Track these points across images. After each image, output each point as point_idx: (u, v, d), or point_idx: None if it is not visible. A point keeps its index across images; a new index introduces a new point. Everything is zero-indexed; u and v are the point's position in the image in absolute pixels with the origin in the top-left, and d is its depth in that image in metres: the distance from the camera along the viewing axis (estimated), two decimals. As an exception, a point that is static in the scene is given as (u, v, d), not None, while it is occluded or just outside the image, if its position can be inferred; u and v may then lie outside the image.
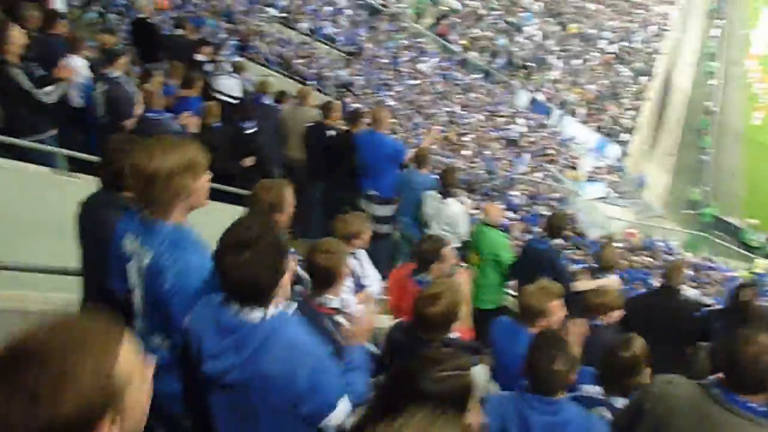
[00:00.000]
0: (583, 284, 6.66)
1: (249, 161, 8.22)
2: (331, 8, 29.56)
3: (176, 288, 2.71)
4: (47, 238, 5.52)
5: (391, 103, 25.84)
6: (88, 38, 13.45)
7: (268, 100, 9.84)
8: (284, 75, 23.59)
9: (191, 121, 7.56)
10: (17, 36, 6.11)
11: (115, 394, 1.35)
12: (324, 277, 3.65)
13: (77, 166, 6.69)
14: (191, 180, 2.75)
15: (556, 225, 7.29)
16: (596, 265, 7.20)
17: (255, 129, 8.30)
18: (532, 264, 6.96)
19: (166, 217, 2.78)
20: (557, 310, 4.23)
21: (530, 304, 4.23)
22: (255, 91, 10.23)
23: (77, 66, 7.30)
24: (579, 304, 5.07)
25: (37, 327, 1.34)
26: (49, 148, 6.47)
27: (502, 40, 33.62)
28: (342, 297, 3.86)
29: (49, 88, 6.34)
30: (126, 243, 2.89)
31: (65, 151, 6.61)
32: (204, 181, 2.83)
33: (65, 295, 4.60)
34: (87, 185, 6.15)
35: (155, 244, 2.77)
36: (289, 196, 3.92)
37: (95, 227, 3.54)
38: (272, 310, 2.54)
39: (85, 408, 1.29)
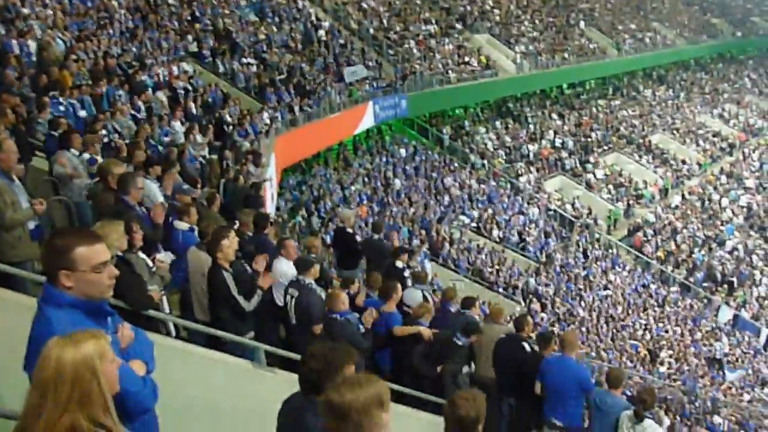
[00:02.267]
0: None
1: (440, 368, 8.07)
2: (522, 217, 29.92)
3: None
4: (245, 427, 5.67)
5: (582, 312, 25.07)
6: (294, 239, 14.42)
7: (453, 308, 9.76)
8: (473, 281, 23.84)
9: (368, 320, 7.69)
10: (232, 243, 6.68)
11: None
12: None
13: (274, 360, 7.02)
14: (381, 413, 2.76)
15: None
16: None
17: (464, 344, 8.18)
18: None
19: None
20: None
21: None
22: (441, 299, 10.19)
23: (282, 269, 7.72)
24: None
25: None
26: (249, 342, 6.80)
27: (700, 254, 32.16)
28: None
29: (252, 302, 6.75)
30: None
31: (265, 347, 6.92)
32: (389, 414, 2.81)
33: None
34: (283, 380, 6.52)
35: None
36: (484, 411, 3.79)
37: (291, 428, 3.63)
38: None
39: None
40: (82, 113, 11.64)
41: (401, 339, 8.10)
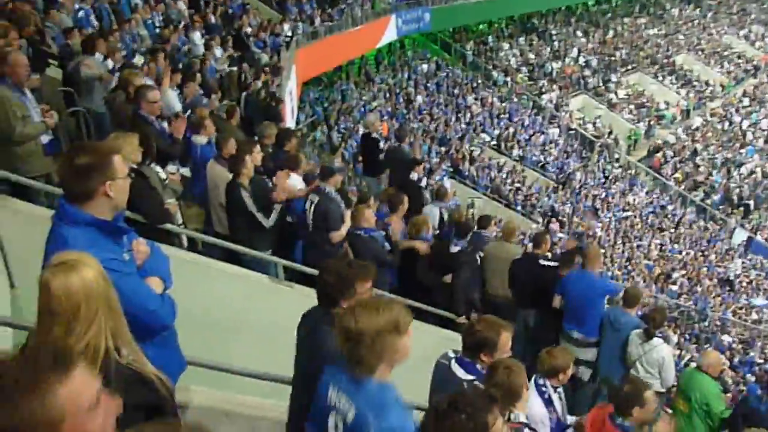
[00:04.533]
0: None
1: (448, 278, 8.13)
2: (543, 137, 29.63)
3: None
4: (261, 341, 5.82)
5: (599, 232, 25.12)
6: (313, 155, 14.40)
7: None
8: (492, 198, 23.83)
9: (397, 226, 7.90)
10: (249, 162, 6.68)
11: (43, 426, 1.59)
12: (508, 394, 3.69)
13: (291, 275, 7.07)
14: (397, 339, 2.75)
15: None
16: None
17: (460, 248, 8.21)
18: (748, 423, 6.18)
19: (372, 375, 2.77)
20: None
21: None
22: (448, 220, 10.17)
23: (294, 185, 7.70)
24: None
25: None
26: (268, 257, 6.85)
27: (718, 176, 31.81)
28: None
29: (271, 218, 6.79)
30: (330, 392, 2.91)
31: (283, 261, 6.97)
32: (408, 339, 2.81)
33: (271, 401, 4.69)
34: (301, 294, 6.59)
35: (361, 401, 2.77)
36: (507, 341, 3.90)
37: (309, 341, 3.70)
38: None
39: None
40: (95, 22, 11.47)
41: (404, 252, 8.10)
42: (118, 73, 8.48)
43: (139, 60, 9.82)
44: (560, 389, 4.99)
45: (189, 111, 8.66)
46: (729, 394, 9.06)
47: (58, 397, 1.61)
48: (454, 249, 8.11)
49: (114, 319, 2.34)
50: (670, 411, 7.00)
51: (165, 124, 7.29)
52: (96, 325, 2.27)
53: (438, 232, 9.38)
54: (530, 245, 8.47)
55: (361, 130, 16.97)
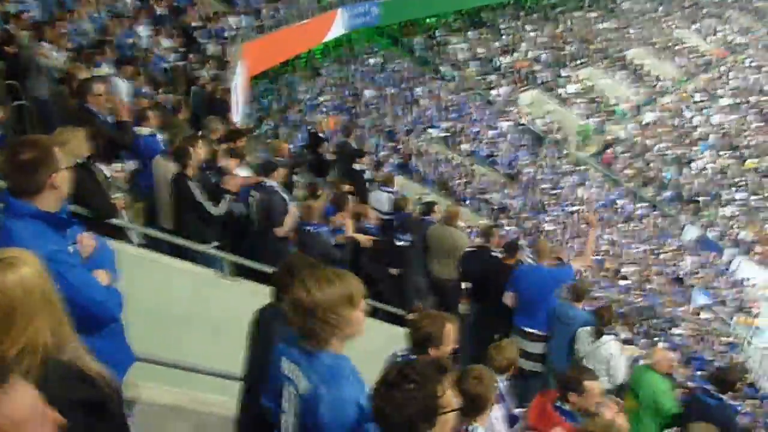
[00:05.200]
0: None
1: (394, 271, 8.19)
2: (493, 131, 29.85)
3: (331, 420, 2.69)
4: (208, 337, 5.78)
5: (548, 227, 25.40)
6: (261, 149, 14.28)
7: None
8: (441, 195, 23.91)
9: (348, 223, 7.85)
10: (199, 153, 6.68)
11: None
12: (472, 404, 3.64)
13: (239, 270, 7.05)
14: (351, 311, 2.76)
15: (730, 380, 6.51)
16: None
17: (408, 243, 8.24)
18: (699, 419, 6.24)
19: (325, 348, 2.78)
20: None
21: None
22: (393, 208, 10.21)
23: (243, 178, 7.63)
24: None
25: None
26: (215, 252, 6.78)
27: (669, 172, 32.50)
28: (491, 423, 3.94)
29: (220, 207, 6.75)
30: (284, 365, 2.92)
31: (229, 256, 6.94)
32: (362, 312, 2.83)
33: (219, 397, 4.63)
34: (248, 288, 6.53)
35: (313, 373, 2.78)
36: (451, 333, 3.89)
37: (263, 339, 3.68)
38: None
39: None
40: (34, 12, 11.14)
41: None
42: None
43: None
44: (507, 382, 5.08)
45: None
46: (680, 390, 9.21)
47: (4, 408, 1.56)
48: (399, 243, 8.15)
49: (54, 317, 2.26)
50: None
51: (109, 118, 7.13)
52: (34, 323, 2.19)
53: (386, 218, 9.47)
54: (479, 239, 8.51)
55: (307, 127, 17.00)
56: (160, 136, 7.70)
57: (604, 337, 7.11)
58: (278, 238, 7.21)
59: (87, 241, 3.19)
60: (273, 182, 7.40)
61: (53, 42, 8.64)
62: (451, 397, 2.64)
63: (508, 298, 7.59)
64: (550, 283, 7.49)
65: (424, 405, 2.50)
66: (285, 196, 7.56)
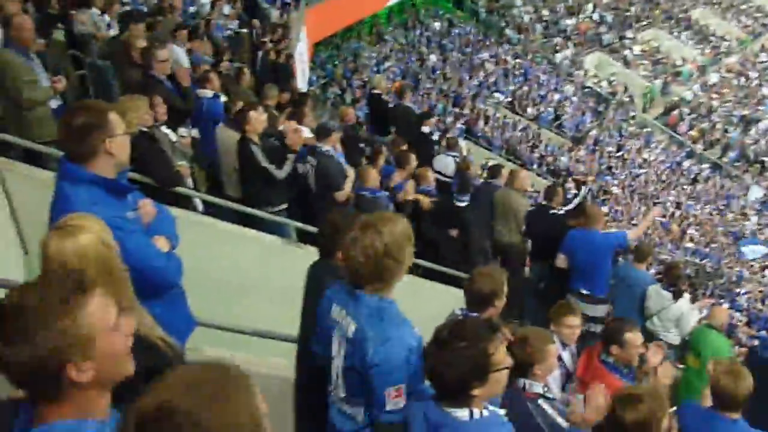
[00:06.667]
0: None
1: (454, 232, 8.12)
2: (558, 95, 29.29)
3: (378, 359, 2.70)
4: (273, 303, 5.82)
5: (615, 190, 24.94)
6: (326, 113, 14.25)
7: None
8: (507, 159, 23.64)
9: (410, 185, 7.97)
10: (260, 118, 6.64)
11: (77, 343, 1.62)
12: (523, 363, 3.59)
13: (304, 237, 7.07)
14: (411, 248, 2.84)
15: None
16: None
17: (467, 203, 8.16)
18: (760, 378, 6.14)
19: (380, 291, 2.82)
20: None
21: None
22: (458, 169, 10.09)
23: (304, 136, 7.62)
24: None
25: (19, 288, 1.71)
26: (279, 219, 6.85)
27: (735, 133, 31.41)
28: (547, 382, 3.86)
29: (284, 169, 6.73)
30: (333, 312, 2.95)
31: (294, 223, 6.97)
32: (411, 252, 2.86)
33: (281, 360, 4.71)
34: (312, 254, 6.52)
35: (361, 316, 2.81)
36: (505, 285, 3.93)
37: (314, 293, 3.66)
38: (480, 410, 2.58)
39: (52, 351, 1.59)
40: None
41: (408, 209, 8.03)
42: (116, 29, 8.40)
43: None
44: (571, 346, 4.99)
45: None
46: (743, 349, 9.00)
47: (87, 316, 1.65)
48: (460, 204, 8.08)
49: (115, 284, 2.26)
50: (681, 366, 7.10)
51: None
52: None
53: (447, 180, 9.45)
54: (543, 198, 8.44)
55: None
56: (222, 98, 7.75)
57: (674, 294, 7.11)
58: (338, 202, 7.13)
59: (148, 208, 3.21)
60: (328, 146, 7.33)
61: (102, 7, 8.64)
62: (503, 355, 2.62)
63: (561, 261, 7.48)
64: (602, 248, 7.30)
65: (475, 363, 2.51)
66: (341, 160, 7.52)
